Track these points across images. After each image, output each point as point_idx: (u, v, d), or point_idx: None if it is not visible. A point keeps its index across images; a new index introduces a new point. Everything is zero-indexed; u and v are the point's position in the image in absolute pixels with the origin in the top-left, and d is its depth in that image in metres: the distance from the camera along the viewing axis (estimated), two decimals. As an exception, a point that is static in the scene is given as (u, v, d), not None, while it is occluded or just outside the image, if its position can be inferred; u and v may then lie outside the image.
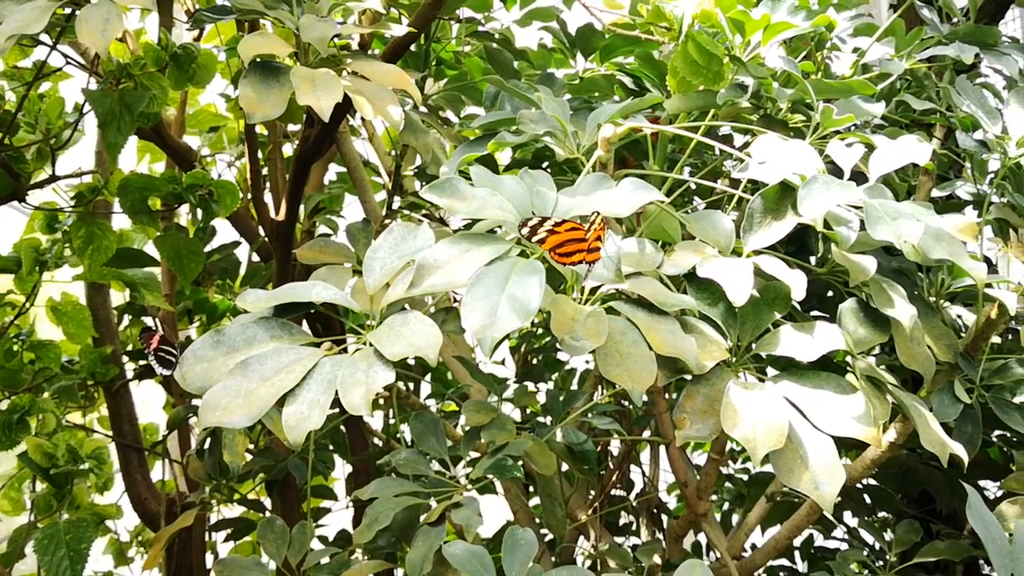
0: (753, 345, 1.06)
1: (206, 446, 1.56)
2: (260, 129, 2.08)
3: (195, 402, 1.80)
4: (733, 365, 1.05)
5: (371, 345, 0.93)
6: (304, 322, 1.84)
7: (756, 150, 1.08)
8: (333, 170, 2.17)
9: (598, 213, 0.91)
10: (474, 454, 1.36)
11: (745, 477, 2.03)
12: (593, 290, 1.03)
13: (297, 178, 1.58)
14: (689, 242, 1.11)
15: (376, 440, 2.00)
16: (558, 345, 1.90)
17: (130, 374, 1.89)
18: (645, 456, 1.98)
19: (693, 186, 1.62)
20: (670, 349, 0.95)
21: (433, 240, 0.99)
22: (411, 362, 2.06)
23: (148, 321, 1.94)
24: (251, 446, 1.83)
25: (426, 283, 0.89)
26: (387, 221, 1.65)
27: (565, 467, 1.53)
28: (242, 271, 2.07)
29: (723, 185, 1.24)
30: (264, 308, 1.02)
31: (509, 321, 0.84)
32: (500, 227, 1.13)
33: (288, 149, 2.17)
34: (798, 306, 1.23)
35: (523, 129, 1.16)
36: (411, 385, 2.09)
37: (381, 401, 2.11)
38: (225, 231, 2.08)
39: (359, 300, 1.09)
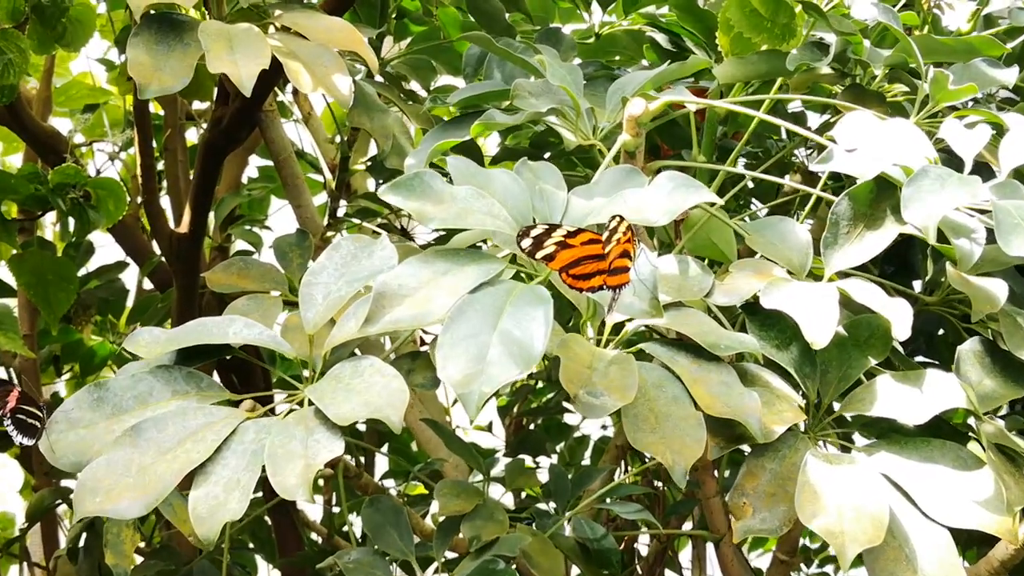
0: (837, 404, 1.06)
1: (81, 544, 1.54)
2: (155, 108, 2.07)
3: (66, 483, 1.77)
4: (811, 430, 1.05)
5: (311, 404, 0.93)
6: (215, 373, 1.83)
7: (841, 133, 1.07)
8: (255, 164, 2.16)
9: (623, 219, 0.90)
10: (451, 555, 1.34)
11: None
12: (617, 327, 1.03)
13: (205, 175, 1.57)
14: (749, 260, 1.11)
15: (314, 535, 1.98)
16: (566, 403, 1.91)
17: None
18: (686, 557, 1.97)
19: (752, 184, 1.62)
20: (724, 408, 0.95)
21: (396, 259, 0.99)
22: (361, 427, 2.05)
23: (1, 373, 1.92)
24: (143, 544, 1.81)
25: (387, 318, 0.88)
26: (330, 234, 1.64)
27: (576, 573, 1.51)
28: (130, 302, 2.05)
29: (794, 182, 1.23)
30: (163, 353, 1.02)
31: (504, 370, 0.83)
32: (486, 242, 1.13)
33: (194, 136, 2.16)
34: (900, 348, 1.22)
35: (519, 105, 1.16)
36: (362, 459, 2.07)
37: (321, 482, 2.10)
38: (107, 248, 2.06)
39: (293, 341, 1.08)
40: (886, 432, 1.05)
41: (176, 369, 0.99)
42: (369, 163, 1.67)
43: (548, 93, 1.18)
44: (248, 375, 1.74)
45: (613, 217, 0.90)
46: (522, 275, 0.95)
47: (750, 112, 1.17)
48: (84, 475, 0.90)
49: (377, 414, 0.88)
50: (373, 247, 1.03)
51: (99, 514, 0.89)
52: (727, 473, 1.54)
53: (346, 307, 1.00)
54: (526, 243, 0.91)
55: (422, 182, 0.94)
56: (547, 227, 0.91)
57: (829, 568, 2.11)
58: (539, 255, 0.91)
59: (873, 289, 1.04)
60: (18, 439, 1.25)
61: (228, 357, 1.73)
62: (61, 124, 2.09)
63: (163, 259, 1.73)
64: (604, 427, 2.09)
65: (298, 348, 1.06)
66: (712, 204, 1.12)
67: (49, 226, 2.17)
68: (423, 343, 1.86)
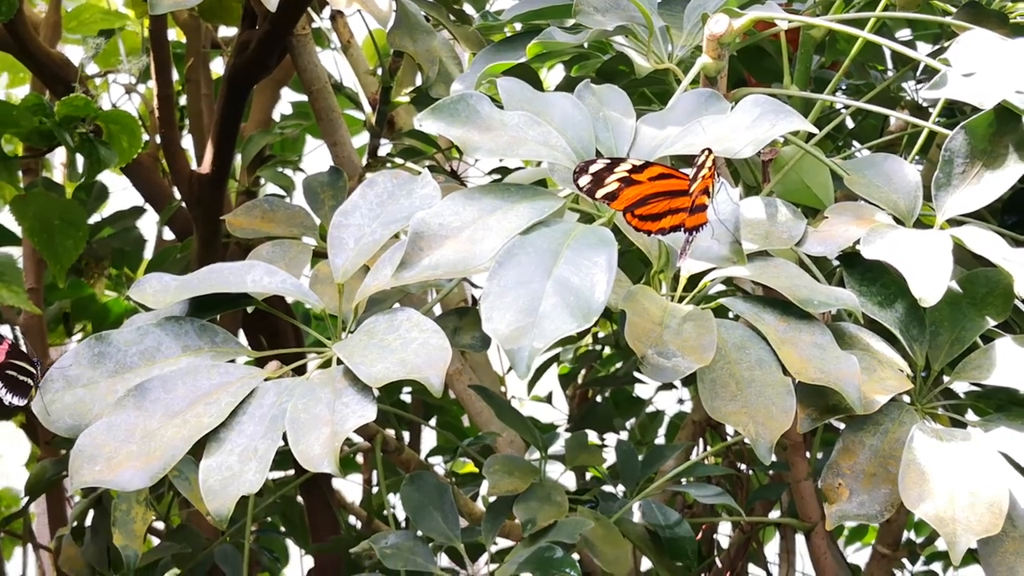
0: (949, 371, 1.04)
1: (87, 523, 1.54)
2: (177, 36, 2.07)
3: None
4: (919, 401, 1.03)
5: (340, 362, 0.92)
6: (241, 332, 1.83)
7: (957, 55, 1.05)
8: (288, 99, 2.16)
9: (709, 151, 0.88)
10: (504, 542, 1.34)
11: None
12: (694, 280, 1.01)
13: (230, 108, 1.57)
14: (847, 204, 1.09)
15: (352, 518, 1.98)
16: (638, 373, 1.89)
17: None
18: (773, 548, 1.96)
19: (852, 123, 1.59)
20: (816, 374, 0.93)
21: (439, 198, 0.98)
22: (406, 397, 2.05)
23: (4, 331, 1.93)
24: (159, 523, 1.81)
25: (425, 261, 0.87)
26: (368, 174, 1.63)
27: (647, 564, 1.49)
28: (148, 253, 2.05)
29: (902, 115, 1.20)
30: (173, 304, 1.02)
31: (559, 323, 0.82)
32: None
33: (220, 66, 2.15)
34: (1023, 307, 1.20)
35: (582, 23, 1.13)
36: (407, 434, 2.07)
37: (360, 458, 2.11)
38: (124, 193, 2.06)
39: (323, 294, 1.08)
40: (1006, 404, 1.04)
41: (188, 321, 0.98)
42: (413, 95, 1.65)
43: (616, 9, 1.16)
44: (277, 336, 1.74)
45: (703, 151, 0.89)
46: (585, 216, 0.94)
47: (852, 31, 1.14)
48: (82, 440, 0.90)
49: (414, 375, 0.87)
50: (413, 184, 1.02)
51: (98, 484, 0.89)
52: (819, 455, 1.52)
53: (381, 253, 0.98)
54: (584, 180, 0.90)
55: (467, 106, 0.93)
56: (609, 161, 0.90)
57: (937, 566, 2.09)
58: (599, 194, 0.90)
59: (993, 238, 1.02)
60: (7, 398, 1.25)
61: (250, 311, 1.74)
62: (73, 53, 2.09)
63: (183, 204, 1.73)
64: (681, 401, 2.09)
65: (328, 301, 1.05)
66: (807, 136, 1.09)
67: (59, 168, 2.17)
68: (474, 302, 1.84)
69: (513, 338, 0.82)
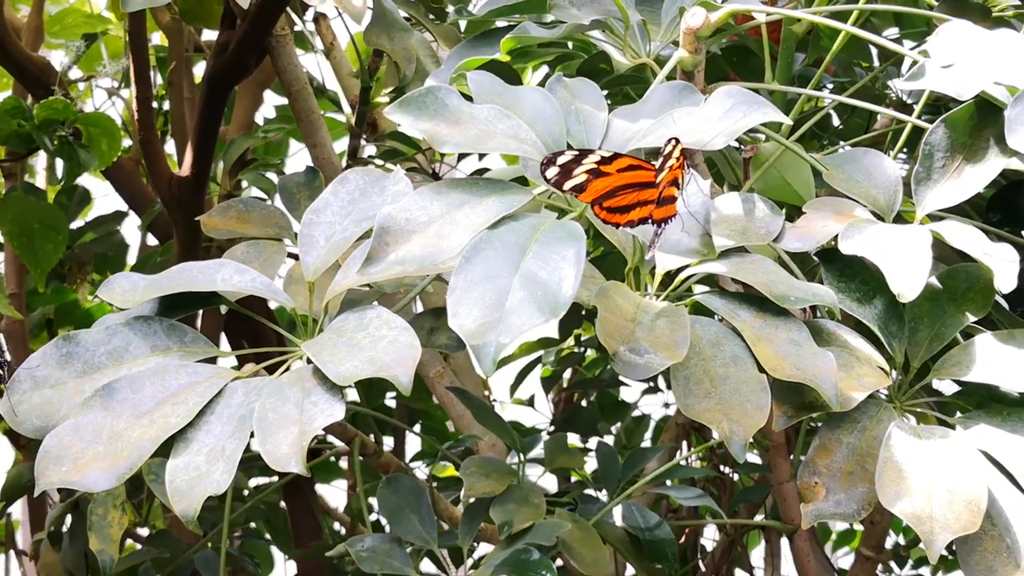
0: (928, 368, 1.03)
1: (65, 527, 1.53)
2: (161, 40, 2.06)
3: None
4: (897, 398, 1.02)
5: (309, 362, 0.91)
6: (222, 336, 1.82)
7: (936, 46, 1.04)
8: (272, 103, 2.15)
9: (676, 141, 0.88)
10: (484, 547, 1.34)
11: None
12: (671, 275, 1.00)
13: (209, 110, 1.57)
14: (826, 199, 1.08)
15: (337, 525, 1.98)
16: (624, 376, 1.89)
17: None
18: (758, 553, 1.95)
19: (836, 120, 1.58)
20: (793, 371, 0.92)
21: (411, 192, 0.96)
22: (391, 403, 2.04)
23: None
24: (143, 529, 1.80)
25: (391, 257, 0.86)
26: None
27: (628, 569, 1.49)
28: (131, 258, 2.05)
29: (886, 110, 1.19)
30: (143, 303, 1.01)
31: (526, 318, 0.81)
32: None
33: (202, 70, 2.14)
34: (1004, 303, 1.20)
35: (558, 17, 1.14)
36: (391, 439, 2.07)
37: (344, 463, 2.10)
38: (105, 197, 2.06)
39: (297, 295, 1.07)
40: (986, 401, 1.03)
41: (156, 321, 0.97)
42: (392, 94, 1.65)
43: (592, 3, 1.16)
44: (258, 339, 1.73)
45: (668, 140, 0.88)
46: (557, 211, 0.92)
47: (834, 24, 1.13)
48: (48, 441, 0.89)
49: (383, 372, 0.86)
50: (385, 181, 1.01)
51: (64, 486, 0.88)
52: (803, 457, 1.51)
53: (352, 250, 0.97)
54: (551, 172, 0.89)
55: (435, 99, 0.92)
56: (577, 153, 0.89)
57: (925, 570, 2.08)
58: (567, 186, 0.89)
59: (973, 233, 1.01)
60: (-27, 400, 1.24)
61: (224, 313, 1.72)
62: (57, 58, 2.09)
63: (164, 207, 1.72)
64: (667, 405, 2.08)
65: (302, 301, 1.04)
66: (788, 132, 1.08)
67: (41, 173, 2.16)
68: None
69: (479, 334, 0.80)
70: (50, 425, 0.90)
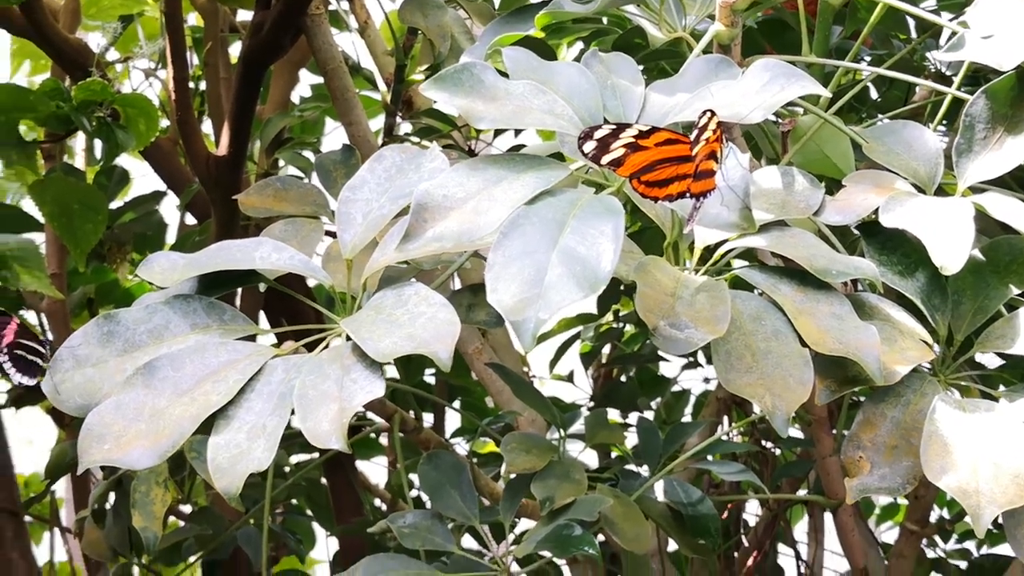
0: (972, 341, 1.03)
1: (108, 504, 1.54)
2: (196, 21, 2.06)
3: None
4: (941, 371, 1.02)
5: (348, 339, 0.90)
6: (262, 315, 1.82)
7: (976, 17, 1.03)
8: (308, 82, 2.15)
9: (715, 114, 0.87)
10: (526, 522, 1.34)
11: (963, 564, 1.97)
12: (710, 249, 1.00)
13: (246, 89, 1.56)
14: (866, 172, 1.07)
15: (378, 501, 1.98)
16: (664, 352, 1.88)
17: (2, 398, 1.87)
18: (801, 528, 1.93)
19: (874, 93, 1.56)
20: (835, 345, 0.92)
21: (447, 169, 0.96)
22: (430, 379, 2.04)
23: (29, 317, 1.93)
24: (185, 506, 1.81)
25: (429, 234, 0.86)
26: (379, 150, 1.62)
27: (671, 544, 1.48)
28: (170, 237, 2.05)
29: (925, 82, 1.18)
30: (182, 282, 1.01)
31: (565, 293, 0.80)
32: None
33: (238, 50, 2.14)
34: None
35: None
36: (431, 415, 2.07)
37: (384, 440, 2.10)
38: (144, 177, 2.06)
39: (336, 272, 1.07)
40: None
41: (196, 299, 0.97)
42: (429, 72, 1.64)
43: None
44: (297, 316, 1.73)
45: (703, 112, 0.87)
46: (594, 186, 0.92)
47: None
48: (90, 419, 0.89)
49: (422, 349, 0.85)
50: (421, 158, 1.00)
51: (106, 463, 0.88)
52: (846, 431, 1.50)
53: (390, 228, 0.97)
54: (589, 146, 0.88)
55: (471, 75, 0.92)
56: (614, 127, 0.88)
57: (970, 543, 2.06)
58: (605, 160, 0.88)
59: (1015, 205, 1.00)
60: (16, 378, 1.25)
61: (263, 291, 1.72)
62: (93, 40, 2.09)
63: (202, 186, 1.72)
64: (707, 380, 2.07)
65: (340, 279, 1.04)
66: (826, 105, 1.07)
67: (80, 154, 2.17)
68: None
69: (518, 309, 0.80)
70: (92, 403, 0.90)
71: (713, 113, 0.87)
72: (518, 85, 0.93)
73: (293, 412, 0.87)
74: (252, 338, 0.96)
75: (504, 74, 0.96)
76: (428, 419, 2.09)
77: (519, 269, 0.82)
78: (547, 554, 1.22)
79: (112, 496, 1.54)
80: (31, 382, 1.25)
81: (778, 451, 1.79)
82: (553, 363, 2.09)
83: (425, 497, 1.59)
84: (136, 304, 0.98)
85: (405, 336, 0.87)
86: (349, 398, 0.86)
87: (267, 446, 0.86)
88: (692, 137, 0.88)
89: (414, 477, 1.70)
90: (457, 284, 1.71)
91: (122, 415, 0.88)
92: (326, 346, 0.95)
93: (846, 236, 1.08)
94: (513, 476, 1.30)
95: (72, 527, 1.98)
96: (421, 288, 0.91)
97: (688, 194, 0.90)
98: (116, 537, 1.53)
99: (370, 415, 1.54)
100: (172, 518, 1.83)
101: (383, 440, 2.14)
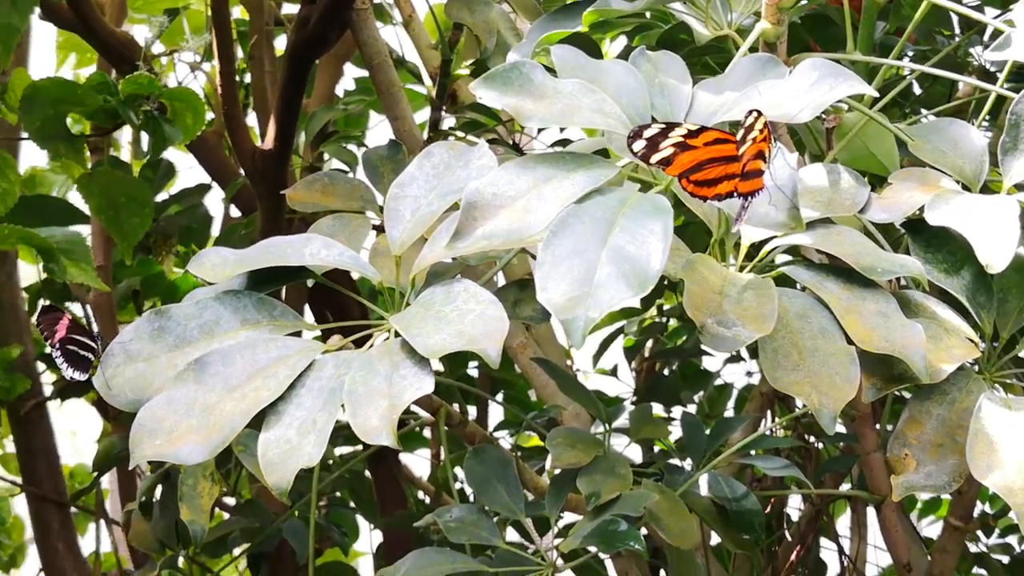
0: (1018, 338, 1.03)
1: (156, 498, 1.55)
2: (241, 14, 2.07)
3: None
4: (987, 370, 1.01)
5: (397, 335, 0.91)
6: (306, 308, 1.83)
7: (1022, 16, 1.04)
8: (352, 76, 2.15)
9: (761, 114, 0.87)
10: (570, 516, 1.33)
11: (1005, 559, 1.97)
12: (756, 247, 1.00)
13: (291, 83, 1.57)
14: (912, 170, 1.07)
15: (421, 494, 1.98)
16: (706, 346, 1.89)
17: (49, 389, 1.89)
18: (844, 522, 1.94)
19: (917, 89, 1.56)
20: (881, 343, 0.92)
21: (495, 167, 0.96)
22: (473, 372, 2.04)
23: (75, 309, 1.94)
24: (229, 499, 1.82)
25: (479, 232, 0.86)
26: (430, 149, 1.63)
27: (717, 538, 1.49)
28: (215, 230, 2.06)
29: (969, 79, 1.18)
30: (232, 278, 1.01)
31: (614, 292, 0.80)
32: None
33: (283, 43, 2.15)
34: None
35: None
36: (474, 408, 2.07)
37: (427, 433, 2.11)
38: (189, 170, 2.07)
39: (383, 267, 1.07)
40: None
41: (246, 295, 0.98)
42: (473, 67, 1.65)
43: None
44: (342, 311, 1.74)
45: (750, 112, 0.87)
46: (641, 184, 0.92)
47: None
48: (142, 414, 0.89)
49: (472, 346, 0.86)
50: (469, 155, 1.00)
51: (158, 458, 0.89)
52: (889, 426, 1.50)
53: (438, 224, 0.98)
54: (638, 145, 0.88)
55: (520, 74, 0.92)
56: (664, 126, 0.88)
57: (1012, 539, 2.06)
58: (654, 159, 0.88)
59: None
60: (68, 372, 1.26)
61: (310, 285, 1.73)
62: (140, 33, 2.11)
63: (248, 180, 1.73)
64: (749, 374, 2.07)
65: (387, 274, 1.04)
66: (871, 102, 1.07)
67: (127, 147, 2.18)
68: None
69: (568, 308, 0.80)
70: (143, 398, 0.91)
71: (760, 113, 0.87)
72: (567, 84, 0.93)
73: (342, 408, 0.88)
74: (299, 334, 0.97)
75: (552, 71, 0.96)
76: (472, 412, 2.09)
77: (569, 268, 0.82)
78: (592, 548, 1.22)
79: (159, 489, 1.55)
80: (82, 377, 1.26)
81: (821, 446, 1.78)
82: (597, 357, 2.09)
83: (469, 490, 1.60)
84: (186, 299, 0.99)
85: (455, 333, 0.87)
86: (399, 394, 0.86)
87: (317, 442, 0.87)
88: (738, 137, 0.88)
89: (458, 471, 1.70)
90: (499, 279, 1.71)
91: (173, 410, 0.89)
92: (372, 342, 0.96)
93: (891, 234, 1.09)
94: (558, 471, 1.29)
95: (118, 518, 2.00)
96: (470, 285, 0.91)
97: (736, 193, 0.90)
98: (163, 529, 1.53)
99: (415, 408, 1.55)
100: (217, 510, 1.84)
101: (426, 433, 2.15)
